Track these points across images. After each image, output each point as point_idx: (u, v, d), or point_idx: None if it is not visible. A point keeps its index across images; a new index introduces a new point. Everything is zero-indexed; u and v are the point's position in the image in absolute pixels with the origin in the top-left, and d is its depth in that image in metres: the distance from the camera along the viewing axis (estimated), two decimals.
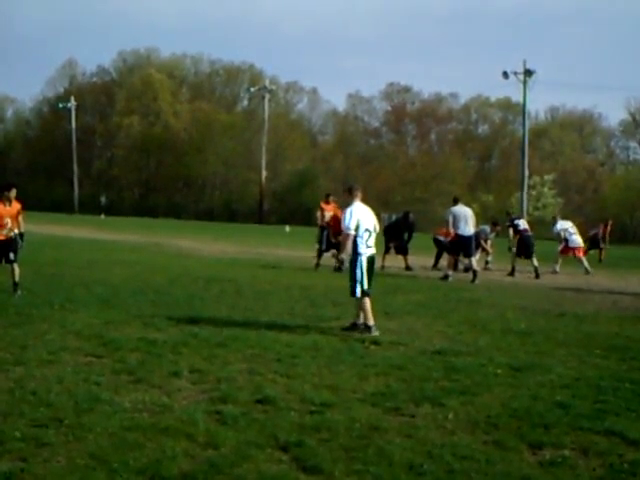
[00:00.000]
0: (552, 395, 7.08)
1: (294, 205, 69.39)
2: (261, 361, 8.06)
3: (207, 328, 9.86)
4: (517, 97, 62.95)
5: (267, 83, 71.73)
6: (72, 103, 77.89)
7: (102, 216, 61.93)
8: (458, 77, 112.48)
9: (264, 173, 66.90)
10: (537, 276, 19.44)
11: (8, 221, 12.89)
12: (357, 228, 10.21)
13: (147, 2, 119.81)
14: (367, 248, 10.34)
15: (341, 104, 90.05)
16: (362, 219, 10.32)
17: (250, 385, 7.02)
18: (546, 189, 66.30)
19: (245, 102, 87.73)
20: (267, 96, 69.36)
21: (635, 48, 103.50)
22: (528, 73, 54.86)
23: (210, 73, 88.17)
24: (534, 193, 64.13)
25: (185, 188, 79.62)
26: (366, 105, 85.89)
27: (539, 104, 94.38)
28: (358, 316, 10.36)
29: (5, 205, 12.93)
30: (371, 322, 10.11)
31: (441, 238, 21.14)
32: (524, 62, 54.91)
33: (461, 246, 18.33)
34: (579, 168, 77.17)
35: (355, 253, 10.22)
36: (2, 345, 8.40)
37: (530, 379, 7.77)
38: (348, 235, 10.20)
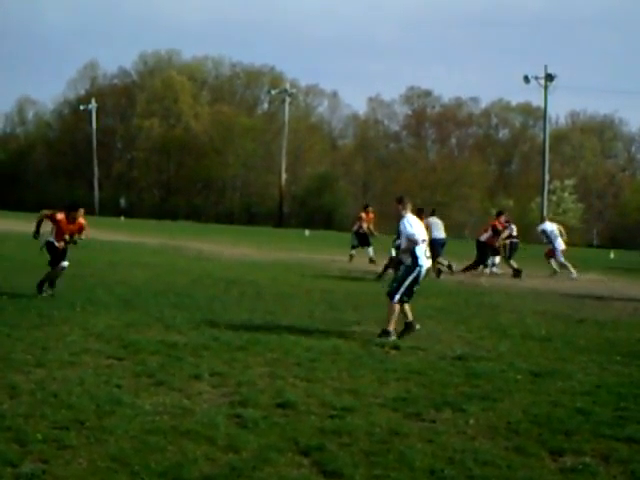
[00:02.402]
0: (573, 402, 7.06)
1: (314, 208, 69.38)
2: (282, 365, 8.08)
3: (228, 331, 9.89)
4: (538, 101, 62.73)
5: (288, 86, 71.80)
6: (93, 105, 78.28)
7: (122, 218, 62.18)
8: (479, 81, 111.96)
9: (284, 176, 66.97)
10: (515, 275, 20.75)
11: (67, 237, 13.11)
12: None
13: (168, 4, 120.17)
14: (426, 259, 10.33)
15: (361, 108, 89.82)
16: (417, 230, 10.32)
17: (271, 389, 7.04)
18: (566, 194, 65.94)
19: (265, 105, 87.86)
20: (287, 99, 69.46)
21: None
22: (549, 78, 54.63)
23: (231, 76, 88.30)
24: (554, 198, 63.78)
25: (205, 190, 79.79)
26: (386, 109, 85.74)
27: (560, 109, 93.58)
28: (407, 316, 10.27)
29: (69, 222, 13.08)
30: (391, 327, 10.07)
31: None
32: (545, 67, 54.74)
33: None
34: (600, 173, 76.73)
35: (415, 264, 10.13)
36: (23, 347, 8.44)
37: (551, 385, 7.75)
38: (415, 241, 10.15)
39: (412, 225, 10.27)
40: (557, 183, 64.83)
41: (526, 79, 54.52)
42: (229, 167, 77.42)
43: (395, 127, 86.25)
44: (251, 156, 76.31)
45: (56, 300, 12.10)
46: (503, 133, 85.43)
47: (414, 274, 10.18)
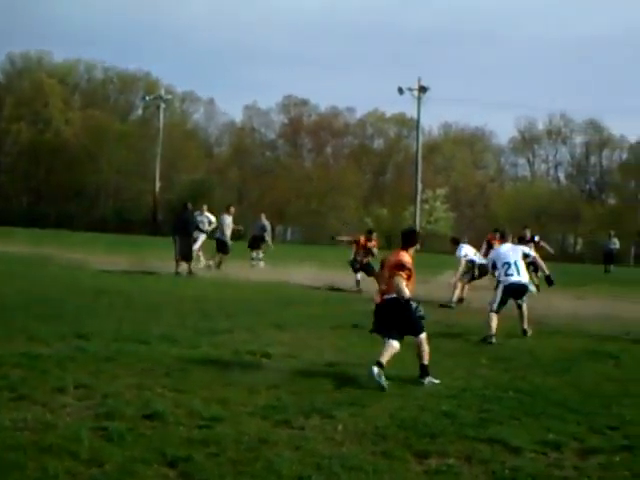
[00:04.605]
0: (439, 405, 7.25)
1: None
2: (150, 375, 7.93)
3: (95, 342, 9.63)
4: (412, 113, 64.25)
5: (163, 92, 70.83)
6: None
7: None
8: (354, 91, 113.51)
9: (158, 183, 65.94)
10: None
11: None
12: None
13: (39, 4, 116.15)
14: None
15: (238, 116, 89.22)
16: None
17: (138, 400, 6.89)
18: (438, 203, 67.80)
19: (140, 111, 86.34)
20: (162, 105, 68.47)
21: (524, 69, 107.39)
22: (422, 89, 56.07)
23: (104, 80, 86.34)
24: (427, 207, 65.48)
25: (77, 198, 77.52)
26: (263, 117, 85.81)
27: (433, 120, 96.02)
28: None
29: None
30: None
31: None
32: (418, 79, 56.17)
33: None
34: (470, 183, 79.24)
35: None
36: None
37: (418, 390, 7.95)
38: None
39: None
40: (429, 192, 66.55)
41: (400, 90, 55.73)
42: (102, 174, 75.56)
43: (271, 135, 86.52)
44: (125, 163, 74.75)
45: None
46: (378, 143, 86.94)
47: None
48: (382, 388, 7.85)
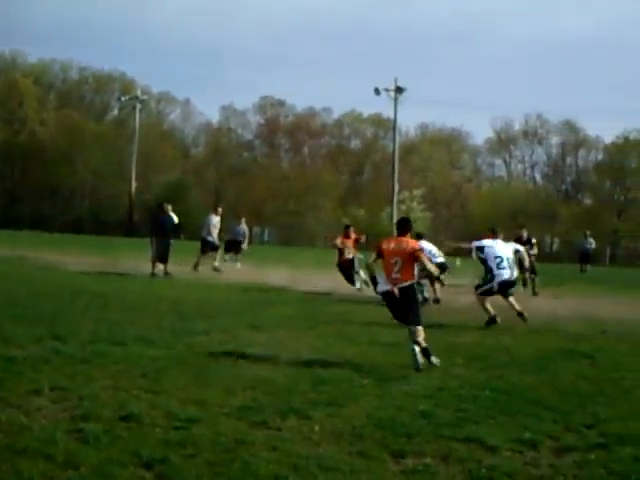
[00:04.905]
0: (416, 405, 7.26)
1: None
2: (126, 377, 7.88)
3: (71, 344, 9.56)
4: (389, 113, 64.42)
5: (139, 92, 70.53)
6: None
7: None
8: (331, 92, 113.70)
9: (134, 184, 65.62)
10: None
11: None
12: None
13: (14, 4, 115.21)
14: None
15: (214, 116, 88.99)
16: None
17: (114, 402, 6.85)
18: (415, 204, 67.99)
19: (116, 111, 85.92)
20: (138, 106, 68.16)
21: (500, 70, 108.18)
22: (399, 90, 56.27)
23: (79, 80, 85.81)
24: (404, 207, 65.62)
25: (52, 198, 76.99)
26: (240, 118, 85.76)
27: (410, 121, 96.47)
28: None
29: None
30: None
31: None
32: (395, 79, 56.34)
33: None
34: (447, 184, 79.54)
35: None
36: None
37: (395, 389, 7.95)
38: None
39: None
40: (406, 193, 66.72)
41: (376, 91, 55.88)
42: (77, 174, 75.08)
43: (248, 136, 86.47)
44: (100, 163, 74.28)
45: None
46: (355, 143, 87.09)
47: None
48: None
